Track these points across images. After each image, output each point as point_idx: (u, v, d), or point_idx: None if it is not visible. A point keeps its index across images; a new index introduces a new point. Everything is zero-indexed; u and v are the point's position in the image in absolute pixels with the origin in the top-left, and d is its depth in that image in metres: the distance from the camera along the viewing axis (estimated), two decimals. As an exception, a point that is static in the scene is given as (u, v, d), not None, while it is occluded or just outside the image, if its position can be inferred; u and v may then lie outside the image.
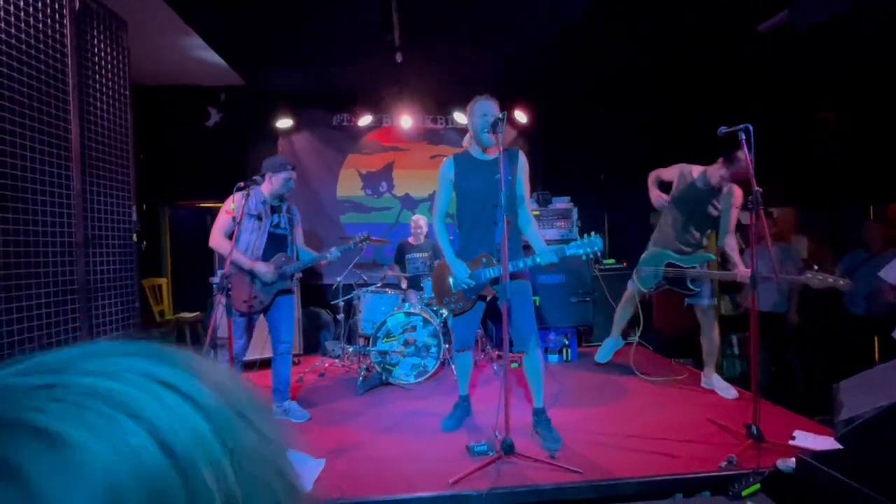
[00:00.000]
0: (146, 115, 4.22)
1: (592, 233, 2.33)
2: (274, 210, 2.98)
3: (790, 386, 3.92)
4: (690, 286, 3.09)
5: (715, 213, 3.08)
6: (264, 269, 2.84)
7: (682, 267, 3.11)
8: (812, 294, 4.06)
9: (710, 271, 3.12)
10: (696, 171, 3.14)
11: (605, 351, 3.73)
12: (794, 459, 2.00)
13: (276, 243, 2.96)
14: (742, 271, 2.78)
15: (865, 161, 3.90)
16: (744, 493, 2.03)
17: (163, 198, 5.33)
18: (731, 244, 3.00)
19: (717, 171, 2.99)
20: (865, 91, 3.67)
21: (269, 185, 2.93)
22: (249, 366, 3.57)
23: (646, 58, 4.36)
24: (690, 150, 4.47)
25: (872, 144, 3.77)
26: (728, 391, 3.14)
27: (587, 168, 5.23)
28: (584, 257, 2.32)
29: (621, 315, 3.58)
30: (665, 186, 3.36)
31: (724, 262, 3.12)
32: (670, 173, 3.26)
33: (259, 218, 2.89)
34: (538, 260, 2.37)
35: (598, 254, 2.35)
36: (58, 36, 2.42)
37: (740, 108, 3.53)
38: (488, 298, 2.63)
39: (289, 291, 3.05)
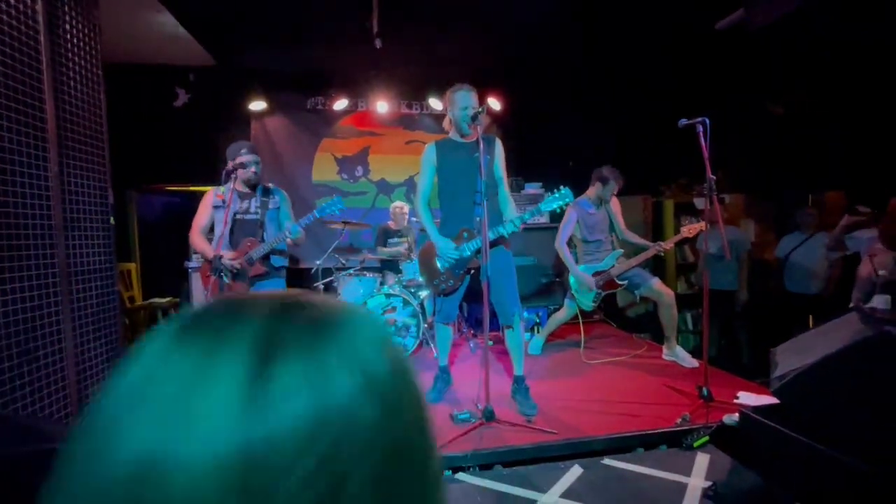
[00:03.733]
0: (109, 94, 4.06)
1: (562, 187, 2.52)
2: (245, 196, 2.84)
3: (737, 355, 4.34)
4: (618, 281, 3.50)
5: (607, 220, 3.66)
6: (226, 257, 2.68)
7: (605, 270, 3.53)
8: (758, 273, 4.49)
9: (630, 260, 3.48)
10: (583, 204, 3.63)
11: (535, 346, 3.97)
12: (737, 414, 2.30)
13: (244, 230, 2.80)
14: (661, 245, 3.37)
15: (806, 154, 4.31)
16: (695, 444, 2.32)
17: (130, 181, 5.16)
18: (630, 234, 3.63)
19: (610, 190, 3.52)
20: (809, 89, 4.03)
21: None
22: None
23: (612, 51, 4.57)
24: (651, 140, 4.77)
25: (812, 139, 4.16)
26: (690, 361, 3.45)
27: (558, 155, 5.45)
28: (557, 210, 2.54)
29: (555, 323, 3.89)
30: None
31: (637, 249, 3.54)
32: (569, 221, 3.58)
33: (223, 207, 2.78)
34: (516, 222, 2.50)
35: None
36: (29, 12, 2.34)
37: (698, 101, 3.80)
38: (472, 271, 2.76)
39: (268, 277, 2.84)
